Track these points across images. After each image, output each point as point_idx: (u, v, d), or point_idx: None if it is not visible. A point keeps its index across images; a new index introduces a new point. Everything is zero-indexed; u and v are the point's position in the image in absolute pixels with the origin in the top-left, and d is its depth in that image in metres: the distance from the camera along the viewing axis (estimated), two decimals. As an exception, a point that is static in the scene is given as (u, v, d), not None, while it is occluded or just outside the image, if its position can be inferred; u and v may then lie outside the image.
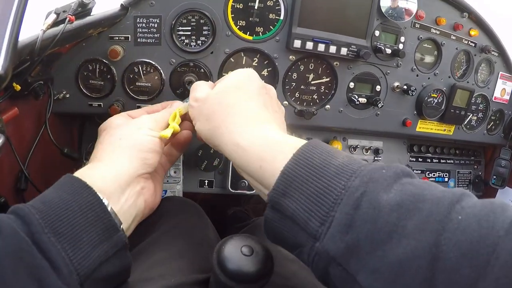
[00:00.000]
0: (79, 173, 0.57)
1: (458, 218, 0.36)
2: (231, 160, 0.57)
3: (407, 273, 0.36)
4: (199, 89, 0.66)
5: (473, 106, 1.38)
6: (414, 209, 0.38)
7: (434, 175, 1.52)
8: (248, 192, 1.20)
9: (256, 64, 1.08)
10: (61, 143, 1.03)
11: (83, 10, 0.94)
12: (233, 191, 1.19)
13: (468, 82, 1.33)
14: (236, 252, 0.52)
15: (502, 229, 0.34)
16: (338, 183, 0.42)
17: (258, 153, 0.51)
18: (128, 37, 0.99)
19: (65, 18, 0.87)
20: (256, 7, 1.01)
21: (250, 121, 0.56)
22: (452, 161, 1.56)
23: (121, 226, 0.54)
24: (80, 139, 1.19)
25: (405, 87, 1.19)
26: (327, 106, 1.16)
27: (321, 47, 1.03)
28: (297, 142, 0.50)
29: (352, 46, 1.06)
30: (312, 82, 1.13)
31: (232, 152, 0.55)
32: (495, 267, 0.32)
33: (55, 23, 0.88)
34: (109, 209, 0.52)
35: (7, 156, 0.84)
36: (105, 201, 0.52)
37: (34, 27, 0.84)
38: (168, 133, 0.69)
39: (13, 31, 0.56)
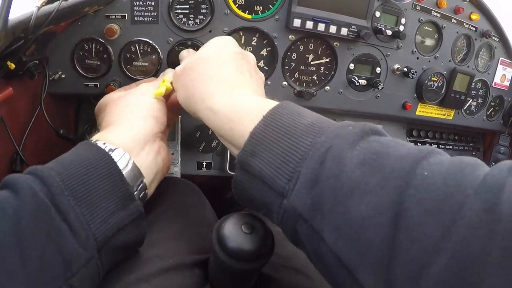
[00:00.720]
0: (98, 136, 0.58)
1: (424, 174, 0.35)
2: (207, 125, 0.58)
3: (369, 230, 0.35)
4: (181, 61, 0.71)
5: (473, 91, 1.38)
6: (378, 166, 0.37)
7: (433, 161, 1.52)
8: (246, 174, 1.19)
9: (255, 44, 1.06)
10: (57, 124, 1.01)
11: (78, -13, 0.93)
12: (232, 173, 1.18)
13: (468, 66, 1.32)
14: (236, 229, 0.51)
15: (470, 187, 0.32)
16: (305, 140, 0.43)
17: (228, 115, 0.53)
18: (125, 15, 0.97)
19: (61, -5, 0.85)
20: (255, -15, 0.99)
21: (220, 86, 0.58)
22: (451, 147, 1.55)
23: (143, 181, 0.56)
24: (76, 120, 1.18)
25: (405, 69, 1.18)
26: (327, 87, 1.15)
27: (321, 27, 1.02)
28: (267, 104, 0.51)
29: (353, 27, 1.05)
30: (312, 63, 1.11)
31: (205, 116, 0.57)
32: (460, 227, 0.31)
33: (50, 0, 0.86)
34: (131, 162, 0.54)
35: (1, 137, 0.83)
36: (127, 156, 0.54)
37: (28, 4, 0.83)
38: (161, 90, 0.71)
39: (2, 9, 0.54)
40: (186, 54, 0.80)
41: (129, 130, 0.60)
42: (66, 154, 0.52)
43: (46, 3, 0.85)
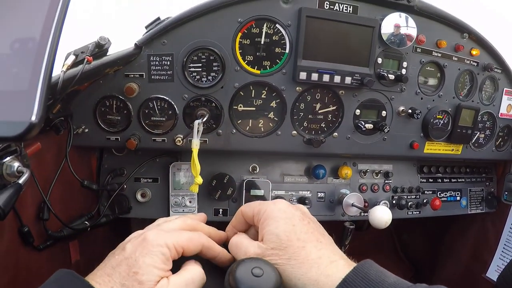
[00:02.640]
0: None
1: None
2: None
3: None
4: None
5: (480, 124, 1.40)
6: None
7: (445, 194, 1.52)
8: (261, 219, 1.23)
9: (264, 97, 1.12)
10: (81, 174, 1.09)
11: (99, 50, 1.01)
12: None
13: (473, 101, 1.34)
14: (247, 273, 0.55)
15: None
16: None
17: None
18: (143, 74, 1.05)
19: (84, 59, 0.93)
20: (262, 42, 1.06)
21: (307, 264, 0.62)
22: (463, 180, 1.56)
23: None
24: (98, 170, 1.24)
25: (410, 111, 1.22)
26: (335, 134, 1.20)
27: (326, 78, 1.08)
28: (349, 262, 0.61)
29: (356, 75, 1.10)
30: (319, 111, 1.17)
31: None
32: None
33: (74, 64, 0.94)
34: None
35: (30, 187, 0.89)
36: None
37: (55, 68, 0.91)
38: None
39: (45, 82, 0.60)
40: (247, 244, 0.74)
41: None
42: None
43: (71, 67, 0.94)
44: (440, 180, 1.51)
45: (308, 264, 0.59)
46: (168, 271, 0.59)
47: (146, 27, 1.14)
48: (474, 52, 1.29)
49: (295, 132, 1.16)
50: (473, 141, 1.40)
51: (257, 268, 0.56)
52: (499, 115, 1.43)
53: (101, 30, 1.04)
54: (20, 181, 0.76)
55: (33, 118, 0.53)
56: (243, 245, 0.65)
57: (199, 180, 1.00)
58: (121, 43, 1.09)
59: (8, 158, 0.77)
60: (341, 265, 0.59)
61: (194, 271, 0.61)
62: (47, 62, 0.61)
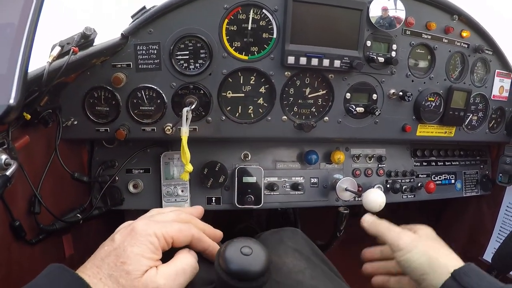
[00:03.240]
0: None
1: None
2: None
3: None
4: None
5: (472, 106, 1.39)
6: None
7: (440, 178, 1.52)
8: (254, 207, 1.23)
9: (253, 83, 1.12)
10: (71, 167, 1.08)
11: (86, 41, 1.00)
12: (240, 206, 1.22)
13: (464, 83, 1.34)
14: (236, 252, 0.55)
15: None
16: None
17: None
18: (130, 64, 1.04)
19: (69, 50, 0.92)
20: (249, 28, 1.05)
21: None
22: (457, 163, 1.56)
23: None
24: (89, 162, 1.24)
25: (401, 93, 1.21)
26: (326, 118, 1.19)
27: (314, 61, 1.07)
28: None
29: (345, 58, 1.09)
30: (309, 96, 1.16)
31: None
32: None
33: (60, 55, 0.93)
34: None
35: (20, 181, 0.89)
36: None
37: (41, 59, 0.90)
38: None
39: (22, 66, 0.61)
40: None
41: None
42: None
43: (57, 58, 0.93)
44: (434, 164, 1.51)
45: (443, 248, 0.79)
46: (158, 260, 0.58)
47: (132, 17, 1.13)
48: (464, 34, 1.28)
49: (285, 117, 1.16)
50: (466, 123, 1.40)
51: (246, 247, 0.55)
52: (492, 97, 1.42)
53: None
54: (7, 172, 0.76)
55: (11, 101, 0.54)
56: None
57: (189, 167, 1.00)
58: (107, 33, 1.08)
59: (-5, 151, 0.76)
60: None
61: (186, 260, 0.60)
62: (24, 47, 0.61)
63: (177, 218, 0.65)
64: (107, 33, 1.08)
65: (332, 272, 0.82)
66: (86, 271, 0.55)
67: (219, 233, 0.71)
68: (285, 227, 0.92)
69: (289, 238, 0.87)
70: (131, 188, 1.22)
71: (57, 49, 0.94)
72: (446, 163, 1.54)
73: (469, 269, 0.72)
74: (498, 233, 1.57)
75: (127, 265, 0.55)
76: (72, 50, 0.92)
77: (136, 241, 0.57)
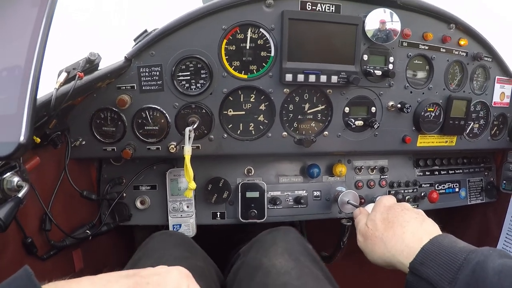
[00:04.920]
0: None
1: None
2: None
3: None
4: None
5: (473, 114, 1.39)
6: (510, 274, 0.60)
7: (444, 186, 1.52)
8: (258, 221, 1.25)
9: (253, 100, 1.14)
10: (81, 184, 1.12)
11: (90, 66, 1.04)
12: (244, 220, 1.25)
13: (464, 91, 1.34)
14: None
15: None
16: (461, 256, 0.66)
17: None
18: (134, 85, 1.08)
19: (75, 75, 0.96)
20: (248, 47, 1.08)
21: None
22: (461, 171, 1.55)
23: None
24: (98, 180, 1.28)
25: (399, 105, 1.22)
26: (325, 132, 1.21)
27: (312, 78, 1.09)
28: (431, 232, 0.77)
29: (342, 73, 1.11)
30: (308, 111, 1.18)
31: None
32: None
33: (67, 80, 0.97)
34: None
35: (32, 200, 0.93)
36: None
37: (49, 84, 0.94)
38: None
39: (30, 105, 0.64)
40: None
41: None
42: None
43: (64, 84, 0.97)
44: (437, 173, 1.51)
45: (395, 239, 0.78)
46: None
47: (135, 40, 1.17)
48: (462, 42, 1.28)
49: (285, 133, 1.18)
50: (467, 131, 1.40)
51: None
52: (493, 104, 1.42)
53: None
54: (20, 194, 0.80)
55: (21, 138, 0.58)
56: (359, 219, 0.92)
57: (193, 185, 1.03)
58: (111, 57, 1.12)
59: (8, 174, 0.81)
60: (425, 239, 0.73)
61: None
62: (31, 87, 0.65)
63: None
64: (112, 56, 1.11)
65: (321, 273, 0.85)
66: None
67: None
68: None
69: (281, 238, 0.92)
70: (138, 204, 1.26)
71: (64, 75, 0.98)
72: (450, 172, 1.53)
73: (424, 255, 0.70)
74: (505, 240, 1.55)
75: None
76: (77, 75, 0.96)
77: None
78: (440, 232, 0.79)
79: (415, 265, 0.70)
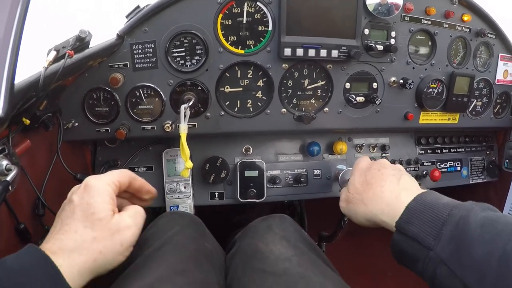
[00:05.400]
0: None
1: None
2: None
3: (484, 265, 0.59)
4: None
5: (476, 92, 1.37)
6: (492, 227, 0.62)
7: (445, 165, 1.50)
8: (257, 200, 1.23)
9: (251, 76, 1.11)
10: (75, 168, 1.09)
11: (81, 44, 1.00)
12: (243, 200, 1.22)
13: (467, 68, 1.31)
14: None
15: None
16: (444, 212, 0.67)
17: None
18: (127, 64, 1.04)
19: (65, 54, 0.92)
20: (244, 22, 1.04)
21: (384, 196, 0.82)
22: (463, 149, 1.53)
23: None
24: (93, 162, 1.25)
25: (401, 81, 1.20)
26: (326, 109, 1.18)
27: (311, 52, 1.06)
28: (414, 191, 0.77)
29: (343, 48, 1.08)
30: (308, 87, 1.15)
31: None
32: None
33: (56, 59, 0.93)
34: None
35: (23, 185, 0.90)
36: None
37: (37, 64, 0.91)
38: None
39: (9, 77, 0.61)
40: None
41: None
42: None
43: (53, 62, 0.93)
44: (439, 151, 1.49)
45: (375, 199, 0.80)
46: (115, 207, 0.70)
47: (127, 16, 1.13)
48: (465, 17, 1.25)
49: (284, 110, 1.15)
50: (470, 109, 1.38)
51: None
52: (496, 82, 1.39)
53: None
54: (8, 178, 0.77)
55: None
56: (343, 190, 0.94)
57: (189, 164, 1.00)
58: (102, 35, 1.08)
59: (-5, 158, 0.78)
60: (404, 195, 0.75)
61: (136, 207, 0.74)
62: (10, 59, 0.61)
63: (113, 172, 0.76)
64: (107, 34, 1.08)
65: (320, 259, 0.83)
66: (56, 236, 0.63)
67: (153, 190, 0.88)
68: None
69: (277, 225, 0.89)
70: (134, 186, 1.22)
71: (53, 53, 0.94)
72: (452, 150, 1.51)
73: (409, 214, 0.71)
74: (507, 219, 1.55)
75: (97, 214, 0.65)
76: (67, 53, 0.92)
77: (94, 193, 0.67)
78: (419, 187, 0.80)
79: (401, 223, 0.71)
